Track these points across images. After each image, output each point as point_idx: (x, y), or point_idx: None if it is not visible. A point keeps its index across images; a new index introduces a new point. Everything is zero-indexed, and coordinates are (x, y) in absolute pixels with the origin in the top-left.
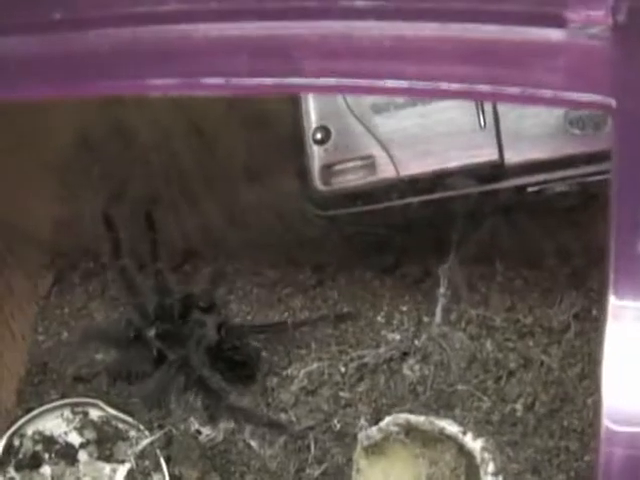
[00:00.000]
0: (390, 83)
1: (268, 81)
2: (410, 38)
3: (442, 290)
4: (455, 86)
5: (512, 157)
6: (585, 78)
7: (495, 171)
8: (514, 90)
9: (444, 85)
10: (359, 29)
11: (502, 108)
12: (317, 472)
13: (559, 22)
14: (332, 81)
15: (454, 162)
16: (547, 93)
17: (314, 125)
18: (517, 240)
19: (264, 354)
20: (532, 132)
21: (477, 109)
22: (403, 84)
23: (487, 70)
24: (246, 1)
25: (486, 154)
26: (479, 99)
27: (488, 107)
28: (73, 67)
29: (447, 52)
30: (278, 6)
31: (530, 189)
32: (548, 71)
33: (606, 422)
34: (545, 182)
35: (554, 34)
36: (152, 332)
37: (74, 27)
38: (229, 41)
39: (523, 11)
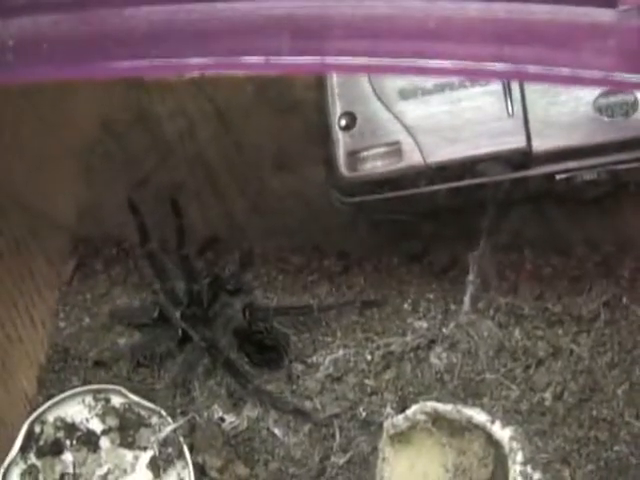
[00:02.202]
0: (435, 63)
1: (308, 60)
2: (456, 19)
3: (471, 277)
4: (502, 66)
5: (540, 145)
6: (636, 59)
7: (523, 159)
8: (564, 71)
9: (490, 65)
10: (403, 9)
11: (530, 95)
12: (342, 460)
13: (609, 3)
14: (374, 61)
15: (482, 149)
16: (597, 74)
17: (340, 111)
18: (546, 228)
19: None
20: (560, 120)
21: (505, 96)
22: (448, 64)
23: (536, 51)
24: None
25: (514, 142)
26: (527, 80)
27: (516, 94)
28: (108, 47)
29: (494, 33)
30: None
31: (559, 177)
32: (598, 52)
33: None
34: (574, 170)
35: (604, 15)
36: (178, 313)
37: (109, 5)
38: (269, 20)
39: None
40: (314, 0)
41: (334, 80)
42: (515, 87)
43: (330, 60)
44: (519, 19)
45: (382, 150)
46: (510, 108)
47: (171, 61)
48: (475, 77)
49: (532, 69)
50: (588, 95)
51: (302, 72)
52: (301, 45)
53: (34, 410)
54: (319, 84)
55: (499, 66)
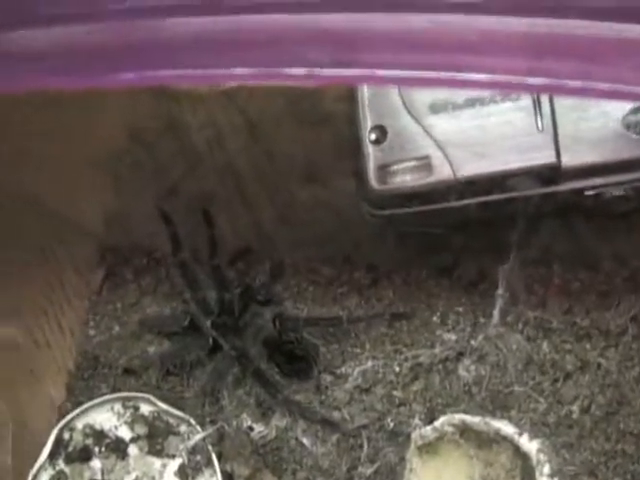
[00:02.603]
0: (475, 77)
1: (348, 72)
2: (496, 32)
3: (500, 291)
4: (541, 80)
5: (569, 160)
6: None
7: (552, 174)
8: (604, 86)
9: (530, 80)
10: (445, 23)
11: (560, 111)
12: (369, 471)
13: None
14: (415, 74)
15: (511, 164)
16: (638, 89)
17: (370, 125)
18: (574, 243)
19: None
20: (589, 135)
21: (535, 111)
22: (488, 78)
23: (577, 66)
24: None
25: (543, 157)
26: (567, 95)
27: (546, 109)
28: (147, 56)
29: (534, 47)
30: None
31: (587, 192)
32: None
33: None
34: (602, 186)
35: None
36: (208, 322)
37: (151, 15)
38: (311, 32)
39: (614, 7)
40: (356, 13)
41: (365, 93)
42: (545, 102)
43: (370, 72)
44: (560, 33)
45: (412, 164)
46: (540, 123)
47: (211, 71)
48: (515, 91)
49: (573, 84)
50: (617, 111)
51: (342, 84)
52: (342, 57)
53: (63, 417)
54: (350, 97)
55: (538, 80)
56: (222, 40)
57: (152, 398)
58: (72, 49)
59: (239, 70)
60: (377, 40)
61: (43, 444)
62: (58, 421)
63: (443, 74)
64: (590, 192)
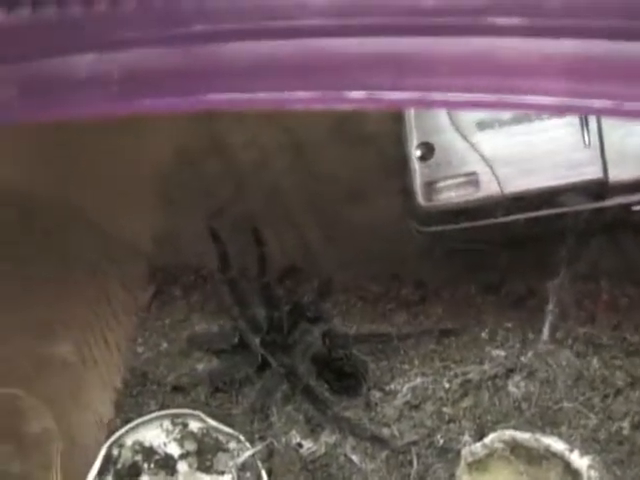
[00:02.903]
0: (537, 99)
1: (409, 95)
2: (556, 56)
3: (550, 307)
4: (606, 103)
5: (616, 175)
6: None
7: (599, 189)
8: None
9: (590, 102)
10: (503, 47)
11: (606, 126)
12: None
13: None
14: (475, 97)
15: (559, 180)
16: None
17: (417, 142)
18: (622, 259)
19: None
20: (637, 150)
21: (582, 127)
22: (551, 101)
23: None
24: (389, 17)
25: (591, 172)
26: (631, 118)
27: (592, 125)
28: (212, 80)
29: (593, 70)
30: (421, 22)
31: (634, 208)
32: None
33: None
34: None
35: None
36: (257, 340)
37: (213, 40)
38: (372, 56)
39: None
40: (417, 37)
41: (411, 110)
42: (592, 118)
43: (432, 96)
44: (621, 57)
45: (459, 180)
46: (587, 139)
47: (275, 95)
48: (576, 113)
49: (629, 105)
50: None
51: (403, 107)
52: (403, 81)
53: (112, 433)
54: (394, 116)
55: (598, 103)
56: (281, 64)
57: (201, 415)
58: (141, 73)
59: (300, 94)
60: (439, 63)
61: (91, 461)
62: (107, 438)
63: (506, 97)
64: (637, 207)
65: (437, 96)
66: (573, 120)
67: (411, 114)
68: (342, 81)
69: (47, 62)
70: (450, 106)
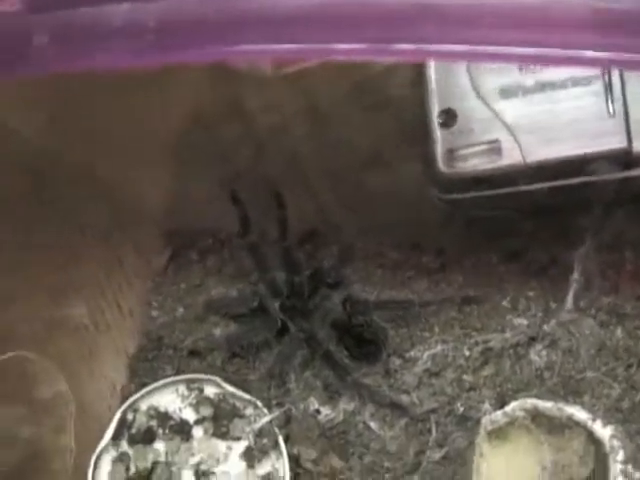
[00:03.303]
0: (584, 54)
1: (458, 48)
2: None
3: (576, 276)
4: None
5: None
6: None
7: (624, 159)
8: None
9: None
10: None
11: (631, 95)
12: (438, 455)
13: None
14: (520, 50)
15: (582, 149)
16: None
17: (439, 108)
18: None
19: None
20: None
21: (606, 96)
22: (601, 55)
23: None
24: None
25: (615, 142)
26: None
27: (617, 94)
28: (255, 29)
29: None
30: None
31: None
32: None
33: None
34: None
35: None
36: (277, 304)
37: None
38: (418, 8)
39: None
40: None
41: (433, 77)
42: (616, 87)
43: (478, 49)
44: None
45: (481, 148)
46: (611, 108)
47: (321, 46)
48: (586, 66)
49: None
50: None
51: (450, 60)
52: (450, 33)
53: (126, 398)
54: (414, 81)
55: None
56: (329, 15)
57: (218, 380)
58: (176, 23)
59: (345, 46)
60: (484, 16)
61: (104, 426)
62: (121, 403)
63: (553, 51)
64: None
65: (485, 49)
66: (597, 89)
67: (432, 79)
68: (389, 33)
69: (82, 10)
70: (496, 59)
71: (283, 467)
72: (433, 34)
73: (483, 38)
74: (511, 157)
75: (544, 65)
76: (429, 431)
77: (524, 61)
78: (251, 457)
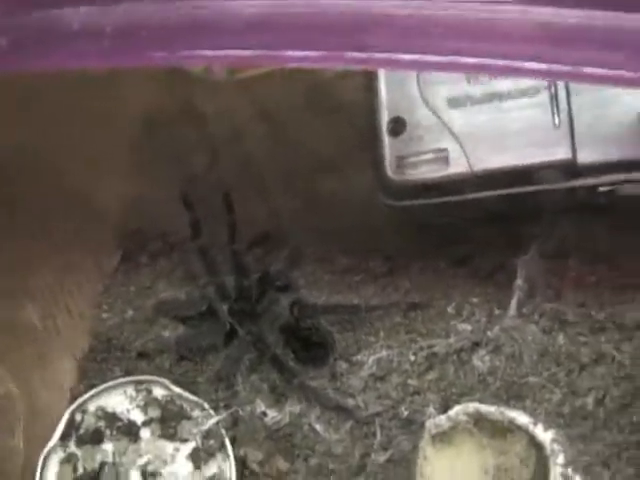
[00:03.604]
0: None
1: (407, 57)
2: (555, 23)
3: (519, 282)
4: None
5: (585, 156)
6: None
7: (568, 169)
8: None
9: (588, 70)
10: (502, 12)
11: (576, 108)
12: (382, 458)
13: None
14: (467, 61)
15: (528, 159)
16: None
17: (388, 116)
18: (590, 238)
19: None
20: (606, 132)
21: (552, 108)
22: (505, 64)
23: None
24: None
25: (560, 152)
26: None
27: (563, 106)
28: (207, 35)
29: (598, 38)
30: None
31: (602, 189)
32: None
33: None
34: (618, 182)
35: None
36: (225, 307)
37: None
38: (370, 17)
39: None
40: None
41: (382, 85)
42: (562, 99)
43: (426, 58)
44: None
45: (430, 156)
46: (557, 120)
47: (273, 53)
48: (530, 76)
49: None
50: (633, 109)
51: (399, 69)
52: (399, 43)
53: (75, 399)
54: (367, 87)
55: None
56: (286, 23)
57: (166, 382)
58: (132, 28)
59: (299, 53)
60: (434, 26)
61: (54, 427)
62: (70, 404)
63: (500, 62)
64: (604, 188)
65: (432, 59)
66: (543, 100)
67: (383, 88)
68: (341, 41)
69: (39, 13)
70: (442, 68)
71: (229, 469)
72: (383, 43)
73: (432, 48)
74: (458, 165)
75: (490, 75)
76: (374, 434)
77: (471, 70)
78: (198, 458)
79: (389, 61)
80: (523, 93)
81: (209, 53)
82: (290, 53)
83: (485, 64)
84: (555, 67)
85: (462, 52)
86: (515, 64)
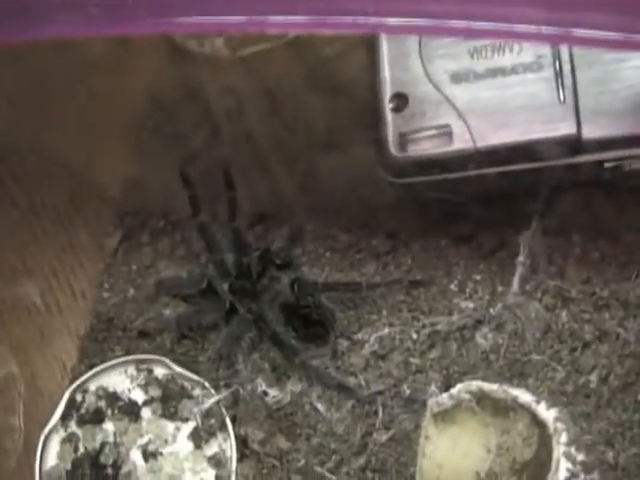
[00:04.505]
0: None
1: (392, 22)
2: None
3: (521, 259)
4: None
5: (590, 132)
6: None
7: (573, 145)
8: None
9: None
10: None
11: (582, 83)
12: (384, 437)
13: None
14: (462, 24)
15: (532, 135)
16: None
17: (391, 92)
18: (594, 214)
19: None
20: (611, 108)
21: (557, 83)
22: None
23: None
24: None
25: (564, 128)
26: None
27: (568, 81)
28: (195, 3)
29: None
30: None
31: (607, 165)
32: None
33: None
34: (622, 158)
35: None
36: (226, 286)
37: None
38: None
39: None
40: None
41: (385, 60)
42: (567, 74)
43: (416, 22)
44: None
45: (432, 132)
46: (561, 95)
47: (256, 18)
48: (530, 41)
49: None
50: (639, 84)
51: (387, 33)
52: (389, 5)
53: (76, 379)
54: (369, 64)
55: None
56: None
57: (166, 361)
58: None
59: (279, 18)
60: None
61: (54, 407)
62: (71, 383)
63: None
64: (610, 164)
65: (422, 22)
66: (548, 75)
67: (385, 64)
68: (326, 6)
69: None
70: (435, 31)
71: (230, 448)
72: (371, 6)
73: (421, 11)
74: (462, 142)
75: (490, 38)
76: (375, 413)
77: (469, 35)
78: (198, 438)
79: (378, 25)
80: (527, 68)
81: (195, 21)
82: (273, 18)
83: (473, 28)
84: (561, 31)
85: (460, 15)
86: (506, 27)
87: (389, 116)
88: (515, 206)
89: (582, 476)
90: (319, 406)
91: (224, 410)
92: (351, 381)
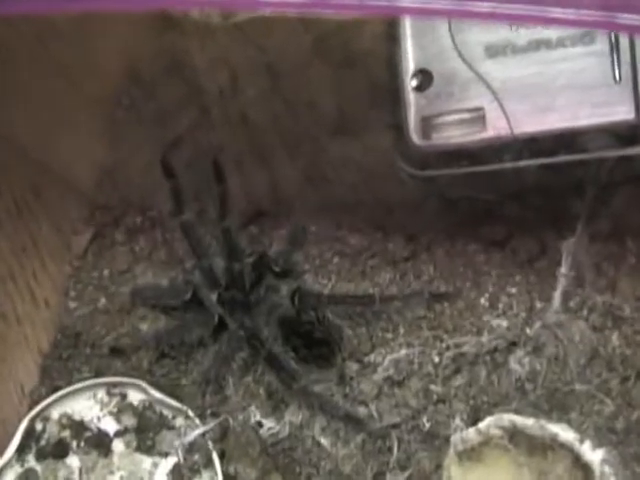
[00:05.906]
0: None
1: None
2: None
3: (564, 270)
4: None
5: None
6: None
7: (630, 133)
8: None
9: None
10: None
11: None
12: (400, 478)
13: None
14: (486, 5)
15: (581, 120)
16: None
17: (413, 68)
18: None
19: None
20: None
21: (612, 59)
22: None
23: None
24: None
25: (620, 113)
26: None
27: (625, 57)
28: None
29: None
30: None
31: None
32: None
33: None
34: None
35: None
36: (214, 296)
37: None
38: None
39: None
40: None
41: (407, 31)
42: (624, 49)
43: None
44: None
45: (461, 116)
46: (617, 73)
47: None
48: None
49: None
50: None
51: (400, 14)
52: None
53: (36, 404)
54: (388, 35)
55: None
56: None
57: (143, 384)
58: None
59: None
60: None
61: (9, 437)
62: (29, 409)
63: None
64: None
65: (439, 5)
66: (602, 50)
67: (407, 35)
68: None
69: None
70: (448, 14)
71: None
72: None
73: None
74: (496, 128)
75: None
76: (390, 450)
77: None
78: (180, 476)
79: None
80: (577, 40)
81: None
82: None
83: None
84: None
85: None
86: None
87: (410, 96)
88: (558, 206)
89: None
90: (323, 440)
91: (211, 444)
92: (361, 411)
